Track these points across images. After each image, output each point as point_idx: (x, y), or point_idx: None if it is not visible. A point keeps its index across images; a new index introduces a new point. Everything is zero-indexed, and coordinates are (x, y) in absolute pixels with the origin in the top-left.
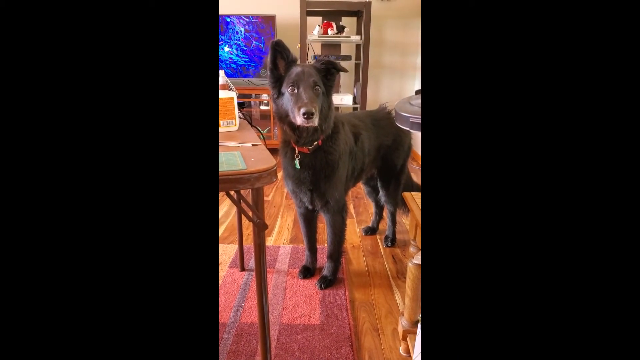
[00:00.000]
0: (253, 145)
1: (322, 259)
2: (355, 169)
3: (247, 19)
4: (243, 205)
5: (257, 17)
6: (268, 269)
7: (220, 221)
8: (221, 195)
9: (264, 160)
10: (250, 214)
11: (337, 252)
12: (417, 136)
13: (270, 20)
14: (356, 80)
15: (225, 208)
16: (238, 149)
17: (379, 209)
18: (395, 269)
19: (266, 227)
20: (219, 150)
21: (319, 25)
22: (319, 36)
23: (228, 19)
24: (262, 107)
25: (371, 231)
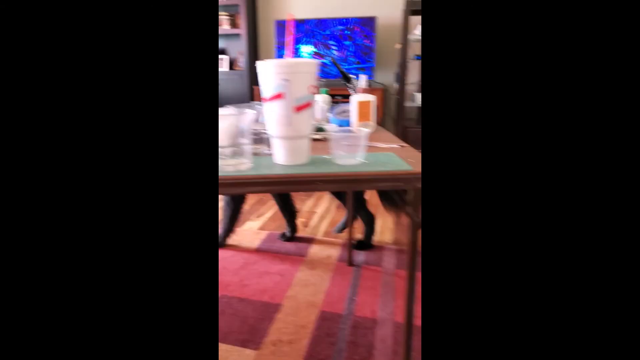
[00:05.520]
0: (401, 146)
1: None
2: None
3: (348, 22)
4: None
5: (357, 18)
6: (374, 267)
7: (333, 220)
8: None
9: (419, 162)
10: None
11: None
12: None
13: (371, 21)
14: None
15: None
16: (389, 149)
17: None
18: None
19: (420, 226)
20: (371, 150)
21: (420, 25)
22: (420, 35)
23: (329, 22)
24: None
25: None
